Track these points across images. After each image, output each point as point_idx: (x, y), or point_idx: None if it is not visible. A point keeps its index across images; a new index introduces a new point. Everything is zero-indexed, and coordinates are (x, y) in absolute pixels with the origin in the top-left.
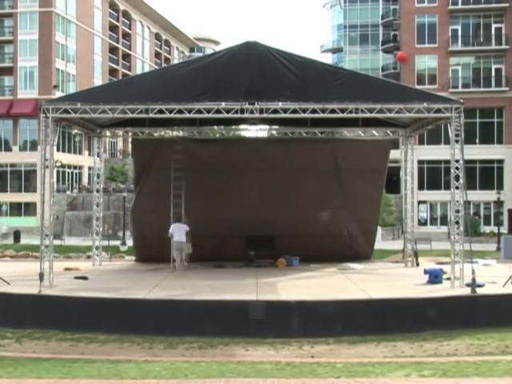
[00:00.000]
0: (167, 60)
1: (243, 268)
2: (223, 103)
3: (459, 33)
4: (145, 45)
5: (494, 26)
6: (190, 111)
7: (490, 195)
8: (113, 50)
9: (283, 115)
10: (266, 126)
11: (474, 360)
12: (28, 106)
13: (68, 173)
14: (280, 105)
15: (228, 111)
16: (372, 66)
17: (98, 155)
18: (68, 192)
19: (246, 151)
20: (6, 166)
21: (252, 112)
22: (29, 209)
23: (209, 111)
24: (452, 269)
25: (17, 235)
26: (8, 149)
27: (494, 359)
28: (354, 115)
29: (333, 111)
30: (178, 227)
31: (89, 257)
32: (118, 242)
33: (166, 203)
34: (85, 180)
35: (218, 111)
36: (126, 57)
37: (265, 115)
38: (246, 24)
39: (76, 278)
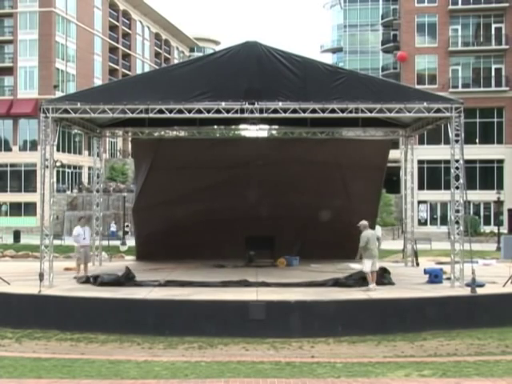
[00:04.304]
0: (167, 60)
1: (243, 268)
2: (223, 103)
3: (459, 33)
4: (145, 45)
5: (493, 25)
6: (189, 111)
7: (490, 195)
8: (113, 49)
9: (283, 115)
10: (266, 126)
11: (474, 360)
12: (28, 105)
13: (68, 173)
14: (280, 105)
15: (228, 111)
16: (372, 66)
17: (97, 155)
18: (68, 192)
19: (246, 151)
20: (6, 166)
21: (252, 112)
22: (29, 209)
23: (209, 111)
24: (452, 269)
25: (17, 235)
26: (8, 149)
27: (494, 359)
28: (354, 115)
29: (333, 111)
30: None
31: None
32: (118, 242)
33: (167, 202)
34: (85, 180)
35: (218, 111)
36: (126, 57)
37: (265, 115)
38: (246, 24)
39: (76, 277)
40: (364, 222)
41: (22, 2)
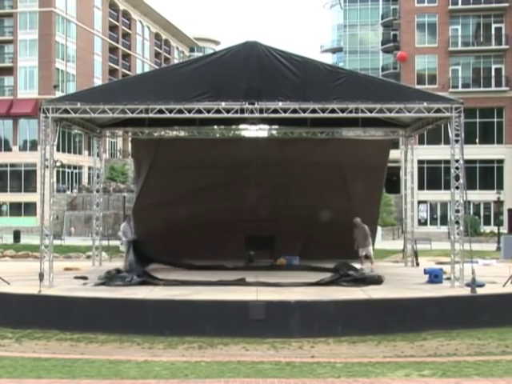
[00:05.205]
0: (167, 60)
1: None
2: (223, 103)
3: (459, 33)
4: (145, 45)
5: (493, 25)
6: (189, 111)
7: (490, 195)
8: (113, 49)
9: (283, 115)
10: (266, 126)
11: (474, 360)
12: (28, 105)
13: (68, 173)
14: (280, 105)
15: (228, 111)
16: (372, 66)
17: (97, 155)
18: (68, 192)
19: (246, 151)
20: (5, 166)
21: (252, 112)
22: (29, 209)
23: (209, 111)
24: (452, 269)
25: (17, 235)
26: (8, 149)
27: (494, 359)
28: (354, 115)
29: (333, 111)
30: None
31: (89, 257)
32: (118, 242)
33: (167, 202)
34: (85, 180)
35: (218, 111)
36: (126, 57)
37: (265, 115)
38: (246, 24)
39: (76, 277)
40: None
41: (22, 2)
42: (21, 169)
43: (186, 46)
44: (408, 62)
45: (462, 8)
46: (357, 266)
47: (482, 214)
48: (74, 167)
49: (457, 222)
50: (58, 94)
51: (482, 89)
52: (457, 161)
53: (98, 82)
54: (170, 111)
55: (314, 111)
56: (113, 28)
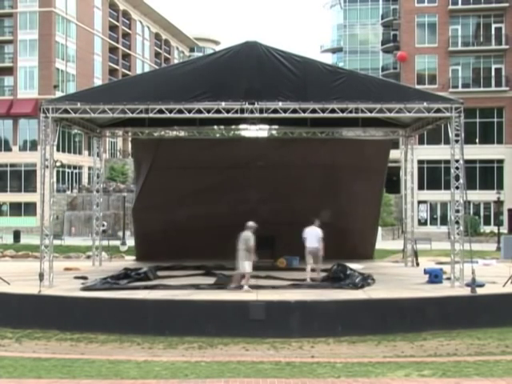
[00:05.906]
0: (167, 60)
1: None
2: (223, 103)
3: (459, 33)
4: (145, 45)
5: (493, 25)
6: (189, 111)
7: (489, 195)
8: (113, 49)
9: (283, 115)
10: (266, 126)
11: (474, 360)
12: (28, 105)
13: (68, 173)
14: (280, 105)
15: (228, 111)
16: (372, 66)
17: (97, 155)
18: (68, 192)
19: (245, 151)
20: (6, 166)
21: (252, 112)
22: (29, 209)
23: (209, 111)
24: (452, 269)
25: (17, 235)
26: (8, 149)
27: (494, 359)
28: (354, 115)
29: (333, 111)
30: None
31: (89, 257)
32: (118, 242)
33: (167, 201)
34: (85, 180)
35: (218, 111)
36: (126, 57)
37: (265, 115)
38: (246, 24)
39: (76, 277)
40: (249, 223)
41: (22, 2)
42: (21, 169)
43: (186, 46)
44: (408, 62)
45: (461, 8)
46: (356, 266)
47: (482, 213)
48: (74, 167)
49: (457, 222)
50: (58, 93)
51: (481, 89)
52: (457, 161)
53: (98, 82)
54: (170, 111)
55: (314, 111)
56: (113, 28)
